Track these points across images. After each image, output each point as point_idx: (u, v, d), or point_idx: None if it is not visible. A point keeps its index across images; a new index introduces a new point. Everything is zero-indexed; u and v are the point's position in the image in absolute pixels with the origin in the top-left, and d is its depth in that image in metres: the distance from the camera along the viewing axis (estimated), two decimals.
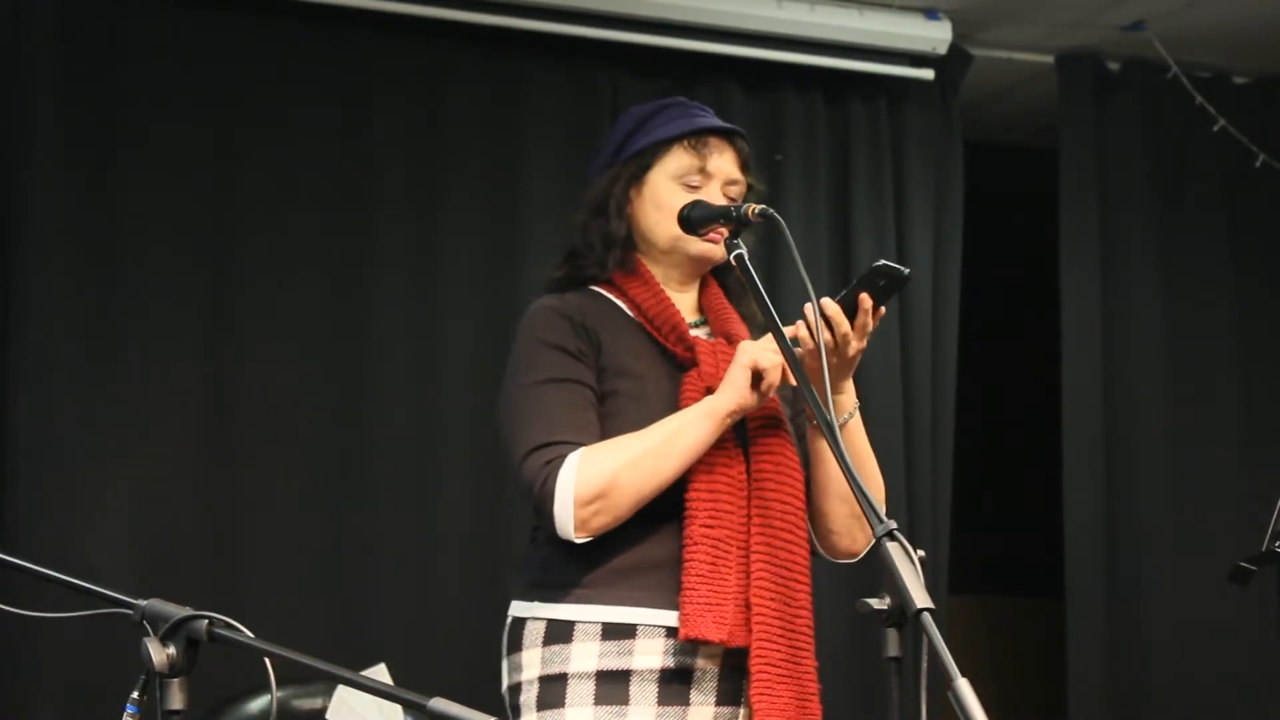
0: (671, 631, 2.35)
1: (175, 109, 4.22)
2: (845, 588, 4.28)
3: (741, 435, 2.44)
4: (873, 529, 2.02)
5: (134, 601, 1.84)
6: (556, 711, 2.36)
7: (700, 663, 2.37)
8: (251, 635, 1.79)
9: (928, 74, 4.87)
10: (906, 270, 2.38)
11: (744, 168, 2.56)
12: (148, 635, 1.79)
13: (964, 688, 1.82)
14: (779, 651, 2.37)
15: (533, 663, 2.40)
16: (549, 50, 4.55)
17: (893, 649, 2.06)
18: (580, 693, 2.36)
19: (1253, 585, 3.24)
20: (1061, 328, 5.02)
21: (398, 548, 4.26)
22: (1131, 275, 5.09)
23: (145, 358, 4.13)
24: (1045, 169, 5.13)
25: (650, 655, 2.36)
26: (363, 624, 4.20)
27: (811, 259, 4.64)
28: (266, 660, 1.79)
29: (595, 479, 2.31)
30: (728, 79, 4.73)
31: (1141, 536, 4.98)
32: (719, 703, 2.39)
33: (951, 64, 4.93)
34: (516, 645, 2.44)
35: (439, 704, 1.67)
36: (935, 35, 4.79)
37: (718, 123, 2.55)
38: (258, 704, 3.75)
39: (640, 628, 2.36)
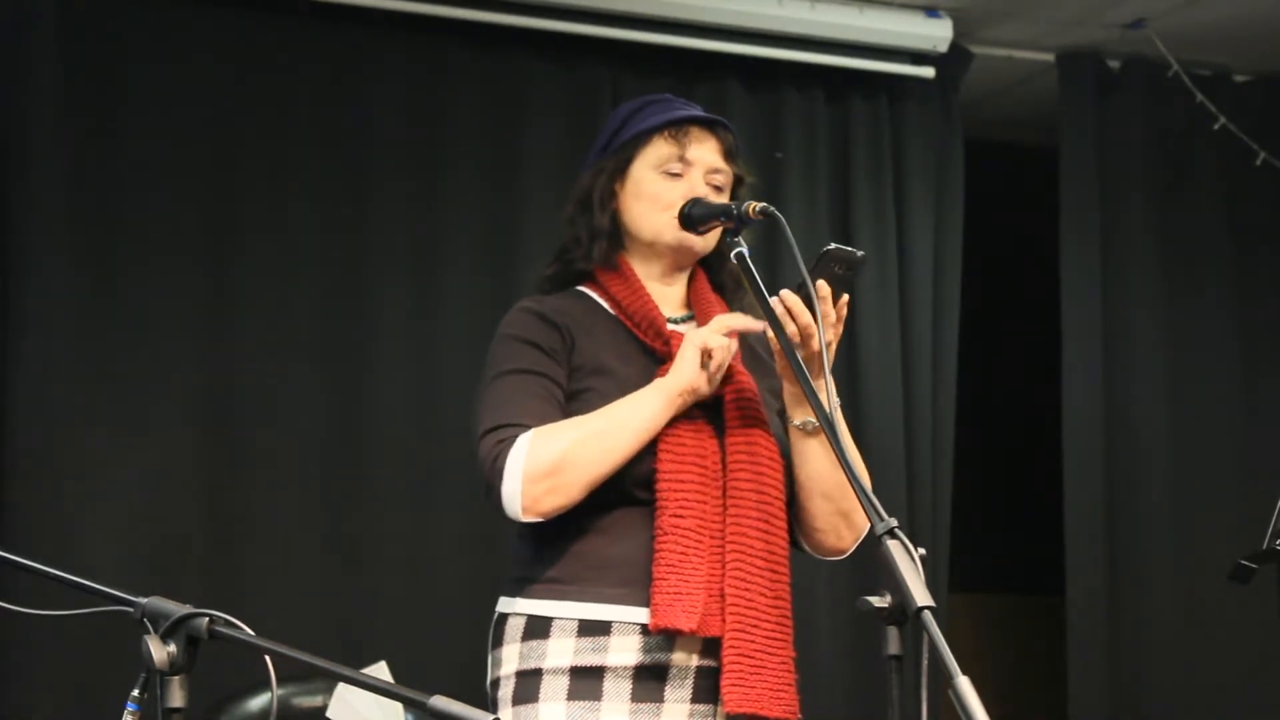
0: (646, 629, 2.34)
1: (175, 106, 4.22)
2: (845, 586, 4.29)
3: (717, 424, 2.43)
4: (874, 527, 2.02)
5: (134, 599, 1.84)
6: (530, 706, 2.37)
7: (676, 659, 2.37)
8: (252, 633, 1.79)
9: (928, 72, 4.87)
10: (861, 253, 2.35)
11: (728, 157, 2.55)
12: (148, 633, 1.80)
13: (964, 686, 1.82)
14: (753, 641, 2.36)
15: (511, 658, 2.41)
16: (550, 48, 4.55)
17: (893, 647, 2.06)
18: (554, 688, 2.36)
19: (1253, 583, 3.24)
20: (1062, 325, 5.02)
21: (398, 546, 4.26)
22: (1132, 273, 5.09)
23: (145, 356, 4.13)
24: (1045, 167, 5.13)
25: (625, 652, 2.35)
26: (363, 622, 4.20)
27: (812, 257, 4.64)
28: (267, 658, 1.79)
29: (546, 457, 2.32)
30: (728, 77, 4.73)
31: (1142, 534, 4.98)
32: (694, 700, 2.38)
33: (952, 62, 4.93)
34: (499, 640, 2.45)
35: (439, 702, 1.67)
36: (936, 33, 4.80)
37: (698, 112, 2.56)
38: (258, 702, 3.75)
39: (615, 625, 2.36)
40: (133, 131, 4.18)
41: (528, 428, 2.35)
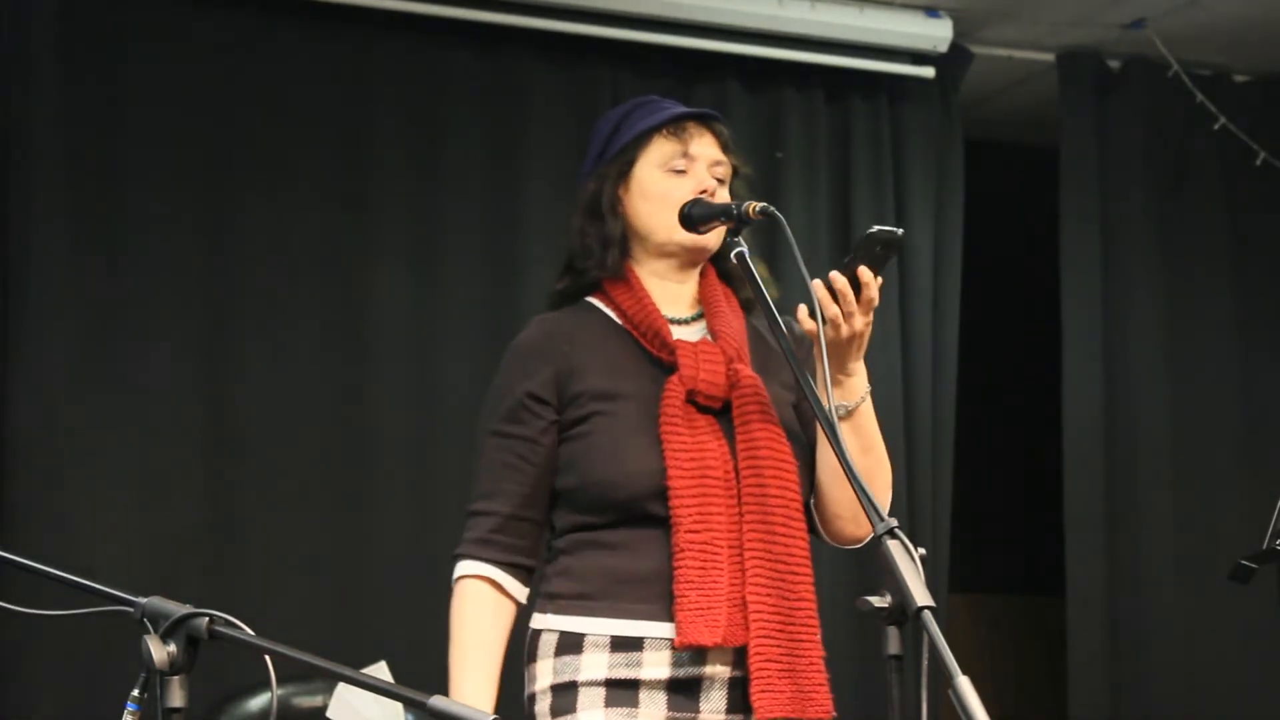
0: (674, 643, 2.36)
1: (174, 106, 4.22)
2: (846, 586, 4.29)
3: (728, 430, 2.43)
4: (874, 527, 2.02)
5: (134, 599, 1.83)
6: (569, 717, 2.38)
7: (708, 671, 2.37)
8: (252, 633, 1.79)
9: (928, 72, 4.87)
10: (900, 230, 2.37)
11: (725, 149, 2.56)
12: (148, 633, 1.79)
13: (965, 686, 1.82)
14: (779, 646, 2.36)
15: (545, 673, 2.42)
16: (550, 48, 4.55)
17: (893, 647, 2.06)
18: (591, 697, 2.37)
19: (1253, 583, 3.24)
20: (1062, 325, 5.02)
21: (398, 546, 4.26)
22: (1131, 273, 5.09)
23: (146, 357, 4.13)
24: (1045, 167, 5.13)
25: (658, 666, 2.37)
26: (363, 622, 4.20)
27: (812, 256, 4.64)
28: (267, 658, 1.79)
29: (452, 610, 2.45)
30: (729, 77, 4.73)
31: (1142, 535, 4.99)
32: (730, 709, 2.39)
33: (952, 62, 4.93)
34: (533, 656, 2.46)
35: (439, 702, 1.67)
36: (936, 33, 4.80)
37: (693, 108, 2.57)
38: (258, 702, 3.75)
39: (647, 640, 2.37)
40: (133, 131, 4.18)
41: (494, 514, 2.43)
